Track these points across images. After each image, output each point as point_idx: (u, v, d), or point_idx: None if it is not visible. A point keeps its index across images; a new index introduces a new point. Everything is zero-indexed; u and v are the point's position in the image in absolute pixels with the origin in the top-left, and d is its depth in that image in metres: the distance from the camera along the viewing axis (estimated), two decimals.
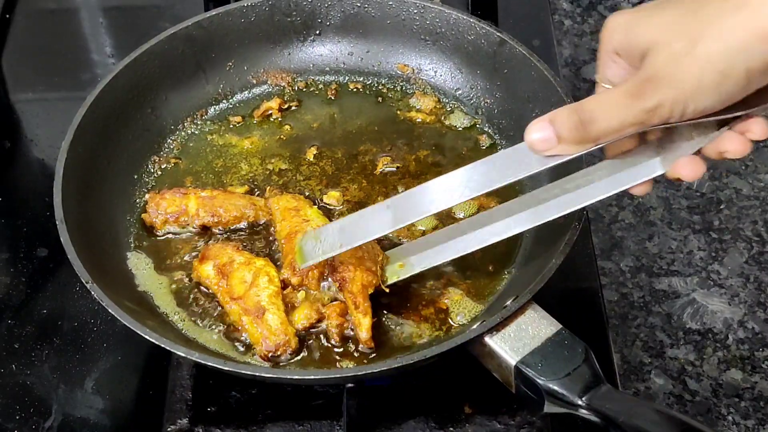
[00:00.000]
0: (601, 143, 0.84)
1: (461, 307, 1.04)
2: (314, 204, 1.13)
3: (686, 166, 0.88)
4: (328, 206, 1.14)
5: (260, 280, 1.03)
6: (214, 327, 1.04)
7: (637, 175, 0.90)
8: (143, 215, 1.13)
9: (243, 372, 0.94)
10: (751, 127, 0.85)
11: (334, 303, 1.03)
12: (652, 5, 0.84)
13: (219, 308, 1.05)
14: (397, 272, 1.04)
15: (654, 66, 0.81)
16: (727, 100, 0.80)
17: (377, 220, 0.97)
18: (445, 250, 1.04)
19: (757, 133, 0.85)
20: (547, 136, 0.84)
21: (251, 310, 1.01)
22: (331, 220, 1.10)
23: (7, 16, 1.52)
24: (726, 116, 0.84)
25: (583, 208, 0.96)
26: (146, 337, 0.93)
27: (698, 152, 0.88)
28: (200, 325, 1.04)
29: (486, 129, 1.22)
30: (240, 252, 1.07)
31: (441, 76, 1.27)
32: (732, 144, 0.86)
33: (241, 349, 1.01)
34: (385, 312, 1.04)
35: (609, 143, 0.86)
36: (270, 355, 0.99)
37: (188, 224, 1.12)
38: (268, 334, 0.99)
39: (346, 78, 1.29)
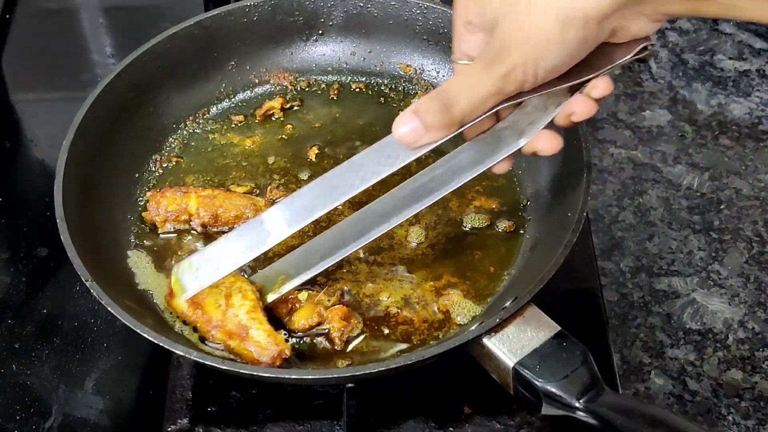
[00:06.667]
0: (467, 122, 0.85)
1: (461, 308, 1.04)
2: None
3: (542, 140, 0.91)
4: None
5: (234, 299, 1.01)
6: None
7: (497, 153, 0.93)
8: (143, 213, 1.13)
9: (242, 372, 0.94)
10: (597, 84, 0.87)
11: (336, 307, 1.03)
12: None
13: None
14: (279, 287, 1.03)
15: (502, 32, 0.82)
16: (573, 53, 0.82)
17: (250, 239, 0.96)
18: (326, 256, 1.03)
19: (601, 89, 0.87)
20: (414, 126, 0.85)
21: (235, 333, 0.99)
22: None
23: (7, 16, 1.52)
24: (576, 81, 0.85)
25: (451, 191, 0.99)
26: (146, 336, 0.93)
27: (552, 126, 0.90)
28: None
29: None
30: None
31: (443, 76, 1.27)
32: (578, 105, 0.88)
33: None
34: (385, 312, 1.04)
35: (474, 123, 0.86)
36: (271, 365, 0.98)
37: (189, 223, 1.12)
38: (259, 350, 0.98)
39: (349, 78, 1.30)
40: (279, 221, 0.94)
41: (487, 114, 0.86)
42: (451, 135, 0.86)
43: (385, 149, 0.90)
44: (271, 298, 1.03)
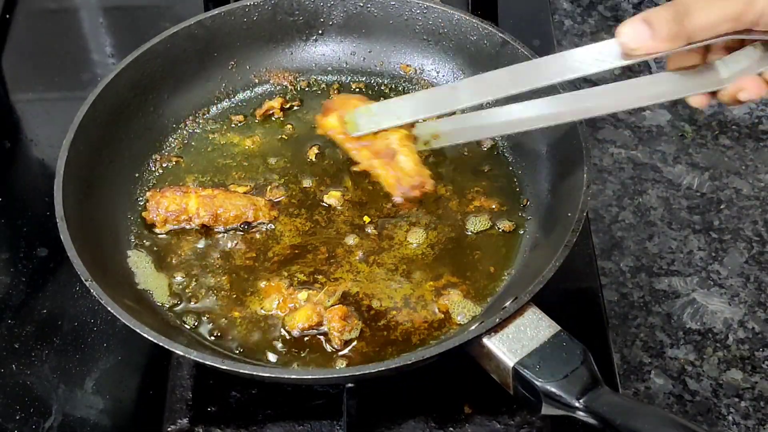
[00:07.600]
0: (695, 41, 0.84)
1: (461, 308, 1.04)
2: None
3: (750, 82, 0.88)
4: (328, 206, 1.15)
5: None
6: (213, 325, 1.04)
7: (699, 85, 0.92)
8: (143, 213, 1.13)
9: (242, 372, 0.94)
10: None
11: (336, 307, 1.03)
12: None
13: (219, 306, 1.05)
14: (430, 142, 1.05)
15: None
16: None
17: (439, 98, 1.00)
18: (482, 129, 1.05)
19: None
20: (641, 30, 0.84)
21: (382, 152, 1.00)
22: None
23: (7, 16, 1.52)
24: None
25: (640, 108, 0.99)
26: (145, 335, 0.93)
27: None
28: (200, 323, 1.04)
29: None
30: (363, 100, 1.07)
31: (443, 76, 1.27)
32: None
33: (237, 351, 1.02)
34: (384, 312, 1.04)
35: (701, 43, 0.85)
36: (407, 196, 0.99)
37: (188, 223, 1.12)
38: (402, 175, 0.98)
39: (349, 78, 1.29)
40: (469, 90, 0.98)
41: (713, 41, 0.84)
42: (672, 51, 0.85)
43: (595, 50, 0.90)
44: (421, 148, 1.05)
